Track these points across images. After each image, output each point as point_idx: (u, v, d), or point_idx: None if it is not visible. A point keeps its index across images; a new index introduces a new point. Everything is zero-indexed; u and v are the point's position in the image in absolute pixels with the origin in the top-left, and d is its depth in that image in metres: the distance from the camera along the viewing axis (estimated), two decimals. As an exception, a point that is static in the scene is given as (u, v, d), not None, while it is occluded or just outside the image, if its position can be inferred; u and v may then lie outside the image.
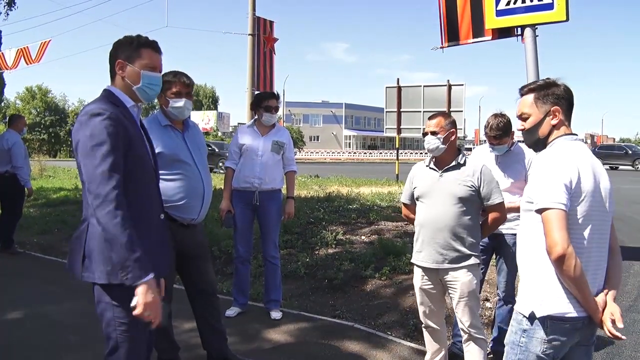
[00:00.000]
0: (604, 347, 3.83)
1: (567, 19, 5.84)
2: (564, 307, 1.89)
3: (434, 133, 3.01)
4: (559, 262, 1.82)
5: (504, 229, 3.36)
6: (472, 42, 7.03)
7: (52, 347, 3.69)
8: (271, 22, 14.07)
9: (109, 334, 2.10)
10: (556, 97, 2.05)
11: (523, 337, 1.96)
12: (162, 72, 2.35)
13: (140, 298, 1.93)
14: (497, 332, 3.59)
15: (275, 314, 4.30)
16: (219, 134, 54.92)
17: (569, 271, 1.82)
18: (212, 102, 74.35)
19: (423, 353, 3.42)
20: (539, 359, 1.93)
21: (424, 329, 3.25)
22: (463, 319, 3.01)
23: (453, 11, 7.06)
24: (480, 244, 3.49)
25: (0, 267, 6.05)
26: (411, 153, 56.75)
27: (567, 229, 1.83)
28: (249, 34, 13.96)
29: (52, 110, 55.68)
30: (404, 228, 7.12)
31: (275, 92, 4.74)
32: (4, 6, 12.92)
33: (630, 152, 31.15)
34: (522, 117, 2.11)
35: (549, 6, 5.85)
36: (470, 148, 42.03)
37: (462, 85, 13.97)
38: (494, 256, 3.73)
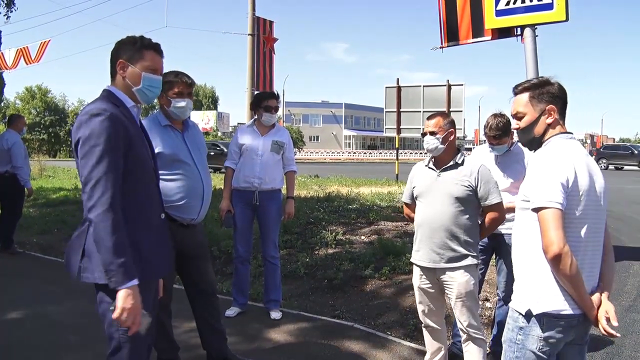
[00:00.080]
0: (603, 347, 3.83)
1: (567, 19, 5.85)
2: (560, 304, 1.90)
3: (432, 133, 3.02)
4: (556, 261, 1.83)
5: (504, 229, 3.36)
6: (472, 42, 7.04)
7: (52, 347, 3.69)
8: (271, 22, 14.09)
9: (111, 335, 2.10)
10: (551, 95, 2.05)
11: (520, 334, 1.97)
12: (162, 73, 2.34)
13: (119, 302, 1.93)
14: (496, 332, 3.59)
15: (275, 314, 4.30)
16: (219, 133, 54.93)
17: (565, 270, 1.83)
18: (212, 102, 74.36)
19: (423, 353, 3.43)
20: (535, 356, 1.95)
21: (423, 329, 3.25)
22: (461, 318, 3.01)
23: (453, 11, 7.06)
24: (480, 244, 3.50)
25: (0, 267, 6.05)
26: (411, 153, 56.75)
27: (563, 228, 1.84)
28: (248, 34, 13.97)
29: (52, 110, 55.70)
30: (403, 228, 7.12)
31: (275, 92, 4.74)
32: (4, 7, 12.92)
33: (636, 152, 30.78)
34: (517, 116, 2.11)
35: (549, 6, 5.86)
36: (470, 148, 42.03)
37: (462, 85, 13.97)
38: (493, 256, 3.73)
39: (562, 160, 1.92)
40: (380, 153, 60.51)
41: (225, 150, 23.61)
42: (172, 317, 3.30)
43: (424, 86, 14.61)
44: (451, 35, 7.11)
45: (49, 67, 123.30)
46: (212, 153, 17.24)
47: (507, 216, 3.16)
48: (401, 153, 34.48)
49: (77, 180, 13.63)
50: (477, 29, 6.84)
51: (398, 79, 14.88)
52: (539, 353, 1.93)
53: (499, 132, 3.40)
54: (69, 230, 7.49)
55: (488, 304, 4.64)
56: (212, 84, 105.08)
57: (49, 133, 53.64)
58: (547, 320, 1.91)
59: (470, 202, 2.98)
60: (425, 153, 3.09)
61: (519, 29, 6.28)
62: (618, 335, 1.96)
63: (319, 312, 4.52)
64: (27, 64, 12.55)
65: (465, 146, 55.42)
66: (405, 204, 3.33)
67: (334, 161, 50.24)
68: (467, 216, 2.98)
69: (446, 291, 3.04)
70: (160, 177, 2.71)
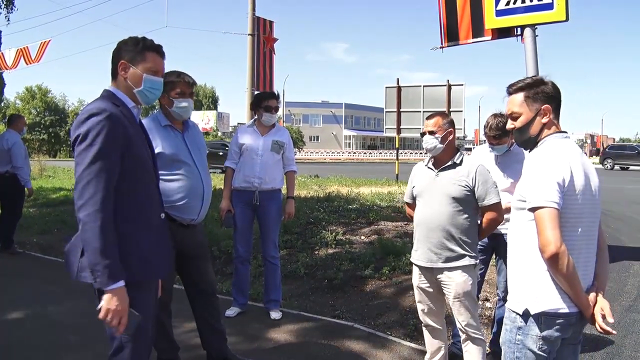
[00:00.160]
0: (603, 347, 3.83)
1: (567, 19, 5.84)
2: (558, 303, 1.91)
3: (432, 133, 3.02)
4: (553, 260, 1.84)
5: (504, 229, 3.35)
6: (472, 42, 7.04)
7: (52, 347, 3.69)
8: (271, 22, 14.09)
9: (112, 335, 2.10)
10: (546, 95, 2.05)
11: (519, 334, 1.98)
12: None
13: (104, 304, 1.94)
14: (497, 332, 3.59)
15: (275, 314, 4.30)
16: (219, 133, 54.94)
17: (562, 269, 1.84)
18: (212, 102, 74.37)
19: (423, 353, 3.43)
20: (535, 355, 1.96)
21: (423, 328, 3.26)
22: (459, 318, 3.02)
23: (453, 11, 7.06)
24: (480, 244, 3.50)
25: (0, 267, 6.05)
26: (411, 153, 56.77)
27: (560, 228, 1.84)
28: (248, 34, 13.97)
29: (52, 110, 55.72)
30: (404, 228, 7.12)
31: (276, 92, 4.75)
32: (3, 8, 12.91)
33: None
34: (513, 117, 2.11)
35: (549, 6, 5.86)
36: (470, 148, 42.01)
37: (462, 85, 13.98)
38: (493, 256, 3.73)
39: (558, 160, 1.92)
40: (380, 153, 60.52)
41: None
42: (172, 317, 3.30)
43: (424, 86, 14.62)
44: (451, 35, 7.11)
45: (49, 67, 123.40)
46: (220, 153, 16.96)
47: (507, 216, 3.16)
48: (401, 153, 34.46)
49: (77, 180, 13.59)
50: (477, 29, 6.84)
51: (398, 79, 14.90)
52: (539, 352, 1.94)
53: (499, 132, 3.40)
54: (69, 230, 7.48)
55: (488, 304, 4.64)
56: (212, 84, 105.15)
57: (49, 133, 53.66)
58: (545, 319, 1.92)
59: (468, 202, 2.98)
60: (425, 153, 3.09)
61: (519, 29, 6.27)
62: (614, 332, 1.98)
63: (319, 312, 4.52)
64: (27, 64, 12.55)
65: (465, 146, 55.41)
66: (407, 203, 3.35)
67: (334, 161, 50.26)
68: (465, 216, 2.97)
69: (444, 291, 3.04)
70: (161, 177, 2.71)
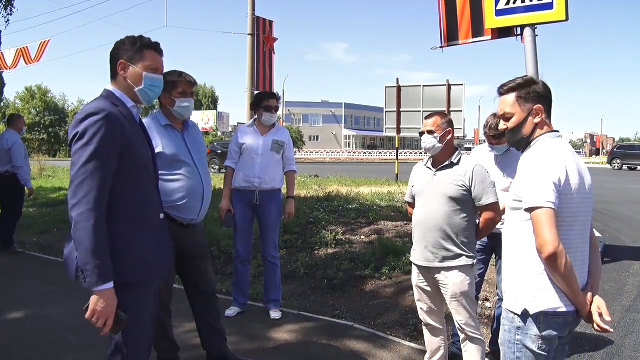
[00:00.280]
0: (604, 347, 3.83)
1: (567, 19, 5.85)
2: (556, 302, 1.92)
3: (430, 132, 3.03)
4: (551, 260, 1.84)
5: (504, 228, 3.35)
6: (472, 42, 7.04)
7: (52, 347, 3.69)
8: (271, 22, 14.07)
9: (111, 335, 2.09)
10: (537, 95, 2.06)
11: (518, 334, 1.98)
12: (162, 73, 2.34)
13: (91, 304, 1.94)
14: (497, 332, 3.59)
15: (275, 314, 4.30)
16: (219, 133, 54.94)
17: (560, 269, 1.85)
18: (212, 102, 74.37)
19: (423, 353, 3.43)
20: (535, 355, 1.96)
21: (423, 327, 3.26)
22: (457, 318, 3.02)
23: (453, 11, 7.06)
24: (480, 244, 3.50)
25: (0, 267, 6.05)
26: (411, 153, 56.76)
27: (557, 227, 1.85)
28: (248, 34, 13.96)
29: (52, 110, 55.75)
30: (404, 228, 7.12)
31: (275, 92, 4.75)
32: (2, 9, 12.91)
33: None
34: (505, 117, 2.11)
35: (549, 6, 5.86)
36: (470, 148, 41.99)
37: (462, 85, 13.98)
38: (493, 256, 3.73)
39: (553, 160, 1.93)
40: (380, 153, 60.51)
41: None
42: (172, 317, 3.30)
43: (423, 86, 14.62)
44: (451, 35, 7.11)
45: (49, 67, 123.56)
46: None
47: (507, 216, 3.16)
48: (401, 153, 34.50)
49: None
50: (477, 29, 6.84)
51: (398, 79, 14.90)
52: (538, 351, 1.95)
53: (498, 131, 3.39)
54: (68, 230, 7.46)
55: (488, 304, 4.64)
56: (212, 84, 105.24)
57: (49, 133, 53.68)
58: (543, 318, 1.93)
59: (466, 202, 2.98)
60: (424, 153, 3.09)
61: (519, 29, 6.28)
62: (611, 330, 2.00)
63: (319, 312, 4.52)
64: (27, 64, 12.54)
65: (465, 146, 55.40)
66: (408, 203, 3.36)
67: (334, 161, 50.24)
68: (463, 216, 2.97)
69: (442, 291, 3.05)
70: (161, 177, 2.71)
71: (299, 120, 66.77)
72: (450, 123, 3.10)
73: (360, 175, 19.48)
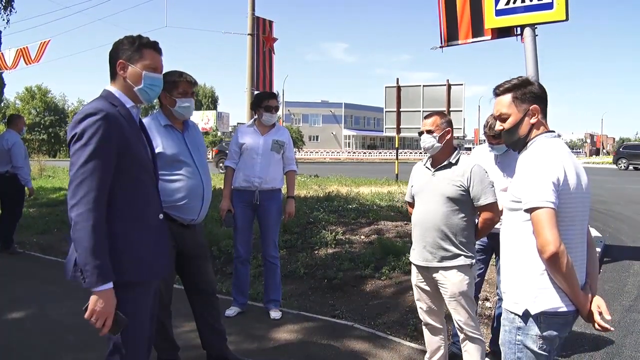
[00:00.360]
0: (604, 347, 3.83)
1: (567, 19, 5.85)
2: (557, 302, 1.92)
3: (429, 132, 3.04)
4: (552, 260, 1.84)
5: (504, 228, 3.35)
6: (472, 42, 7.04)
7: (52, 347, 3.69)
8: (270, 22, 14.08)
9: (110, 335, 2.09)
10: (533, 95, 2.06)
11: (519, 335, 1.98)
12: (162, 73, 2.33)
13: (90, 305, 1.94)
14: (496, 332, 3.59)
15: (275, 314, 4.30)
16: (219, 133, 54.96)
17: (562, 268, 1.85)
18: (212, 102, 74.40)
19: (423, 353, 3.43)
20: (536, 354, 1.96)
21: (423, 327, 3.26)
22: (456, 317, 3.02)
23: (452, 11, 7.06)
24: (480, 244, 3.50)
25: (0, 267, 6.05)
26: (411, 153, 56.75)
27: (558, 227, 1.85)
28: (248, 34, 13.98)
29: (52, 110, 55.77)
30: (403, 228, 7.12)
31: (276, 92, 4.74)
32: (2, 10, 12.91)
33: None
34: (501, 118, 2.11)
35: (549, 6, 5.86)
36: (470, 148, 41.96)
37: (462, 85, 13.99)
38: (493, 256, 3.73)
39: (552, 160, 1.93)
40: (380, 153, 60.51)
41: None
42: (172, 317, 3.30)
43: (423, 86, 14.63)
44: (451, 35, 7.11)
45: (49, 67, 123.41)
46: None
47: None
48: (401, 153, 34.49)
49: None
50: (477, 29, 6.84)
51: (398, 79, 14.90)
52: (539, 351, 1.95)
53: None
54: (68, 230, 7.44)
55: (488, 304, 4.64)
56: (212, 84, 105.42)
57: (49, 133, 53.70)
58: (544, 318, 1.93)
59: (464, 202, 2.98)
60: (423, 152, 3.10)
61: (518, 29, 6.28)
62: (612, 329, 2.00)
63: (319, 312, 4.52)
64: (27, 64, 12.53)
65: (465, 146, 55.38)
66: (408, 202, 3.36)
67: (334, 161, 50.26)
68: (461, 216, 2.97)
69: (441, 290, 3.05)
70: (161, 177, 2.71)
71: (299, 120, 66.74)
72: (450, 123, 3.11)
73: (360, 175, 19.49)
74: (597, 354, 3.73)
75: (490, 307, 4.55)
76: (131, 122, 2.15)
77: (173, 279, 3.31)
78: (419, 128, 3.13)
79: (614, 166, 31.11)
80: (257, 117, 4.38)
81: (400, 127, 14.82)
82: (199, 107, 63.13)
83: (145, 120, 2.83)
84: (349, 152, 61.53)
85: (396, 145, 17.54)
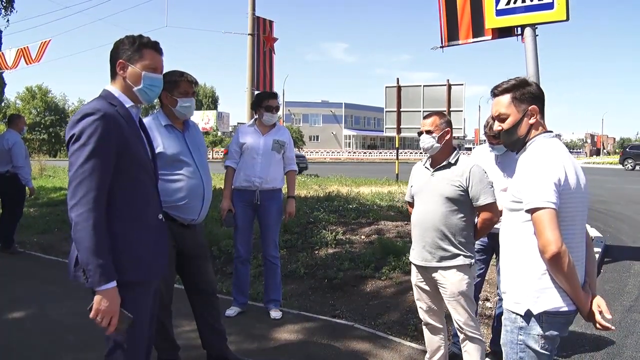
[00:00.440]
0: (604, 347, 3.82)
1: (567, 19, 5.84)
2: (558, 302, 1.92)
3: (429, 132, 3.03)
4: (554, 260, 1.84)
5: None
6: (472, 42, 7.04)
7: (52, 347, 3.69)
8: (271, 22, 14.08)
9: (108, 335, 2.09)
10: (532, 96, 2.06)
11: (520, 334, 1.99)
12: (163, 73, 2.33)
13: (95, 304, 1.94)
14: (497, 332, 3.58)
15: (275, 314, 4.30)
16: (219, 133, 54.97)
17: (564, 268, 1.85)
18: (212, 101, 74.42)
19: (423, 353, 3.42)
20: (538, 354, 1.97)
21: (423, 327, 3.26)
22: (456, 317, 3.02)
23: (453, 11, 7.06)
24: (480, 244, 3.50)
25: (0, 267, 6.05)
26: (411, 153, 56.74)
27: (559, 228, 1.85)
28: (248, 34, 13.97)
29: (52, 110, 55.78)
30: (404, 228, 7.12)
31: (275, 92, 4.75)
32: (2, 10, 12.92)
33: None
34: (500, 118, 2.10)
35: (549, 6, 5.85)
36: (470, 148, 41.95)
37: (462, 85, 13.99)
38: (494, 256, 3.72)
39: (552, 160, 1.93)
40: (380, 153, 60.51)
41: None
42: (172, 317, 3.30)
43: (424, 86, 14.63)
44: (451, 35, 7.11)
45: (49, 67, 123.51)
46: None
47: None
48: (401, 153, 34.45)
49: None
50: (478, 29, 6.84)
51: (398, 79, 14.91)
52: (541, 351, 1.96)
53: (499, 132, 3.39)
54: (69, 230, 7.41)
55: (488, 304, 4.64)
56: (212, 84, 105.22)
57: (49, 133, 53.69)
58: (546, 318, 1.93)
59: (463, 202, 2.97)
60: (423, 152, 3.10)
61: (519, 29, 6.27)
62: (613, 328, 2.01)
63: (319, 311, 4.52)
64: (27, 64, 12.53)
65: (466, 146, 55.36)
66: (408, 202, 3.36)
67: (334, 161, 50.26)
68: (460, 216, 2.97)
69: (440, 290, 3.05)
70: (162, 177, 2.71)
71: (299, 120, 66.75)
72: (449, 123, 3.10)
73: (360, 175, 19.49)
74: (597, 354, 3.73)
75: (490, 307, 4.55)
76: (130, 122, 2.14)
77: (173, 279, 3.31)
78: (419, 128, 3.12)
79: (619, 166, 30.87)
80: (257, 117, 4.38)
81: (401, 127, 14.82)
82: (199, 107, 63.14)
83: (145, 120, 2.82)
84: (349, 152, 61.53)
85: (396, 145, 17.54)
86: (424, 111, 13.64)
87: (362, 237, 6.76)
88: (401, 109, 14.69)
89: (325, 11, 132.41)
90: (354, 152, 61.89)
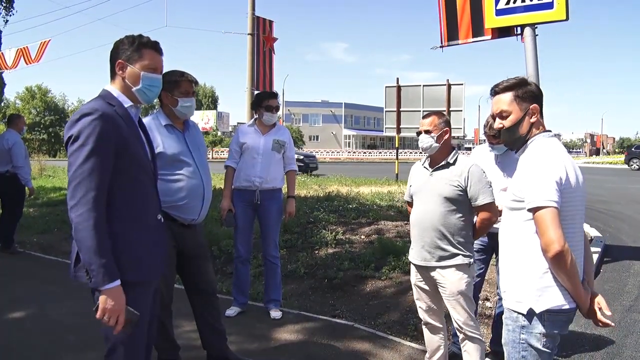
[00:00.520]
0: (604, 347, 3.83)
1: (567, 18, 5.85)
2: (560, 300, 1.93)
3: (427, 132, 3.04)
4: (557, 259, 1.85)
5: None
6: (472, 42, 7.04)
7: (52, 347, 3.69)
8: (270, 22, 14.08)
9: (107, 335, 2.09)
10: (532, 94, 2.07)
11: (523, 333, 1.99)
12: (163, 73, 2.33)
13: (100, 304, 1.95)
14: (497, 332, 3.58)
15: (275, 314, 4.30)
16: (219, 133, 54.96)
17: (566, 267, 1.86)
18: (212, 101, 74.39)
19: (423, 353, 3.42)
20: (540, 352, 1.97)
21: (423, 327, 3.26)
22: (455, 317, 3.02)
23: (453, 11, 7.07)
24: (480, 243, 3.50)
25: (0, 267, 6.05)
26: (411, 152, 56.67)
27: (561, 226, 1.85)
28: (248, 34, 13.96)
29: (52, 110, 55.74)
30: (404, 228, 7.12)
31: (275, 92, 4.74)
32: (2, 10, 12.92)
33: None
34: (502, 115, 2.11)
35: (549, 5, 5.86)
36: (470, 147, 41.95)
37: (462, 84, 13.98)
38: (493, 256, 3.72)
39: (554, 159, 1.94)
40: (380, 152, 60.47)
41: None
42: (172, 317, 3.30)
43: (423, 85, 14.62)
44: (451, 35, 7.12)
45: (49, 67, 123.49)
46: None
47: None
48: (401, 152, 34.47)
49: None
50: (477, 29, 6.84)
51: (398, 79, 14.89)
52: (543, 349, 1.96)
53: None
54: (69, 230, 7.42)
55: (488, 304, 4.64)
56: (212, 83, 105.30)
57: (49, 133, 53.63)
58: (548, 316, 1.94)
59: (462, 202, 2.97)
60: (422, 152, 3.10)
61: (519, 29, 6.28)
62: (613, 324, 2.02)
63: (319, 311, 4.52)
64: (27, 64, 12.54)
65: (465, 146, 55.37)
66: (407, 202, 3.36)
67: (334, 161, 50.19)
68: (459, 216, 2.97)
69: (439, 290, 3.05)
70: (162, 177, 2.70)
71: (299, 120, 66.75)
72: (448, 123, 3.11)
73: (360, 175, 19.49)
74: (597, 354, 3.73)
75: (490, 307, 4.55)
76: (129, 122, 2.14)
77: (174, 279, 3.31)
78: (419, 128, 3.12)
79: (619, 166, 30.73)
80: (257, 116, 4.38)
81: (401, 127, 14.82)
82: (199, 107, 63.11)
83: (145, 120, 2.82)
84: (349, 152, 61.48)
85: (396, 145, 17.54)
86: (423, 111, 13.62)
87: (362, 237, 6.76)
88: (401, 109, 14.69)
89: (325, 11, 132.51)
90: (354, 152, 61.83)
